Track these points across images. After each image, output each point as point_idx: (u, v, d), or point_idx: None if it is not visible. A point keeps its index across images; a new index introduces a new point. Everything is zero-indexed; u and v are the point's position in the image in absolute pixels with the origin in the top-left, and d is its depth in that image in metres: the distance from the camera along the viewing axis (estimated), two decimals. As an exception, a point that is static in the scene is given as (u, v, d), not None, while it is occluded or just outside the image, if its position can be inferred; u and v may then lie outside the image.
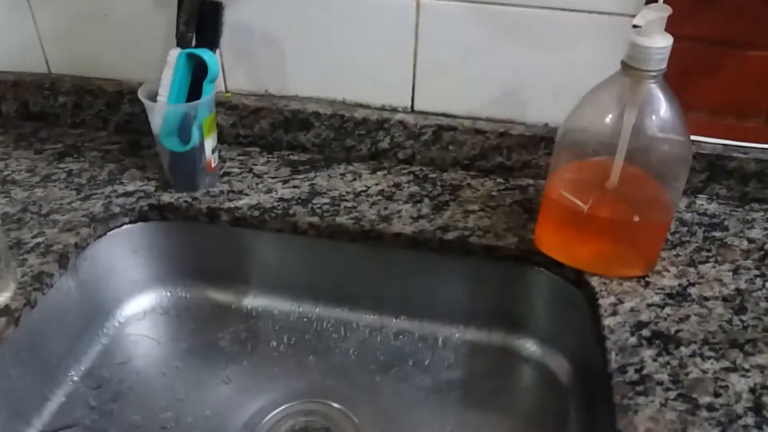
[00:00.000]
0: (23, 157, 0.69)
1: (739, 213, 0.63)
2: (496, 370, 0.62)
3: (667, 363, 0.47)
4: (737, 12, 0.54)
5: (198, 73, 0.60)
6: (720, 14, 0.54)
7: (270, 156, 0.70)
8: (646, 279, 0.54)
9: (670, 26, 0.49)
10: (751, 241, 0.59)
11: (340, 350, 0.64)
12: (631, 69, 0.47)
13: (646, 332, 0.49)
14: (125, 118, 0.72)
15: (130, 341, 0.64)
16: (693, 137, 0.60)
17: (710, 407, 0.44)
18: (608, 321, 0.50)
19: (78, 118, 0.73)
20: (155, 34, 0.67)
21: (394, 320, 0.66)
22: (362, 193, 0.65)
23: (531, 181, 0.66)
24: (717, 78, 0.58)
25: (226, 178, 0.66)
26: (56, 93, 0.71)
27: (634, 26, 0.46)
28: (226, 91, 0.69)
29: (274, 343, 0.64)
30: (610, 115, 0.50)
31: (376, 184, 0.66)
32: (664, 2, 0.50)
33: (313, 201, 0.63)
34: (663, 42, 0.46)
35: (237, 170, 0.67)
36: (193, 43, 0.59)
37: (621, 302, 0.52)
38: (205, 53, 0.58)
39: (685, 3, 0.53)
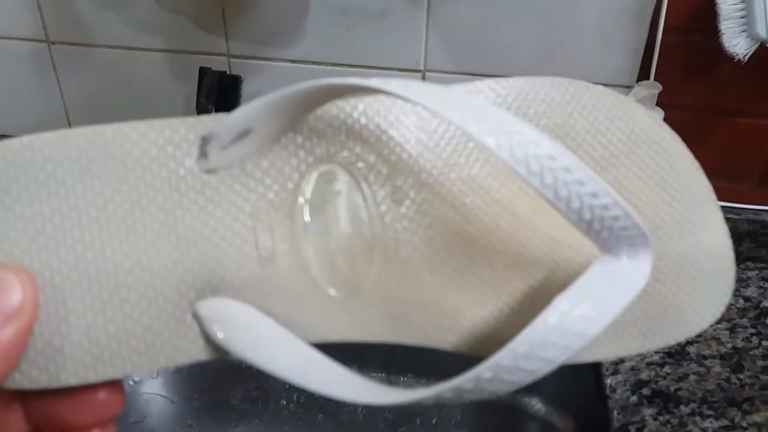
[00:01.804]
0: (45, 220, 0.71)
1: (734, 273, 0.65)
2: (503, 428, 0.64)
3: (668, 422, 0.48)
4: (724, 83, 0.57)
5: (215, 141, 0.63)
6: (708, 85, 0.58)
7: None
8: (646, 338, 0.56)
9: (663, 95, 0.53)
10: (746, 299, 0.61)
11: (348, 408, 0.65)
12: (625, 139, 0.50)
13: (646, 391, 0.51)
14: (142, 182, 0.75)
15: (143, 400, 0.66)
16: (687, 200, 0.62)
17: (711, 464, 0.45)
18: (610, 380, 0.52)
19: (97, 182, 0.76)
20: (174, 103, 0.70)
21: (402, 378, 0.67)
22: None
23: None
24: (708, 144, 0.61)
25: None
26: (77, 158, 0.74)
27: (628, 101, 0.49)
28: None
29: (284, 402, 0.66)
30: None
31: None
32: (655, 79, 0.53)
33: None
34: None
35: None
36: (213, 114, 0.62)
37: (622, 361, 0.54)
38: (223, 124, 0.61)
39: (674, 76, 0.56)
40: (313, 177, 0.25)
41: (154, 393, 0.66)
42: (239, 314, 0.24)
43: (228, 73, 0.63)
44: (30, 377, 0.22)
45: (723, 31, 0.52)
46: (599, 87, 0.27)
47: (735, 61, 0.51)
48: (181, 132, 0.24)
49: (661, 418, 0.48)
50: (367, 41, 0.63)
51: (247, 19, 0.64)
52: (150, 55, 0.68)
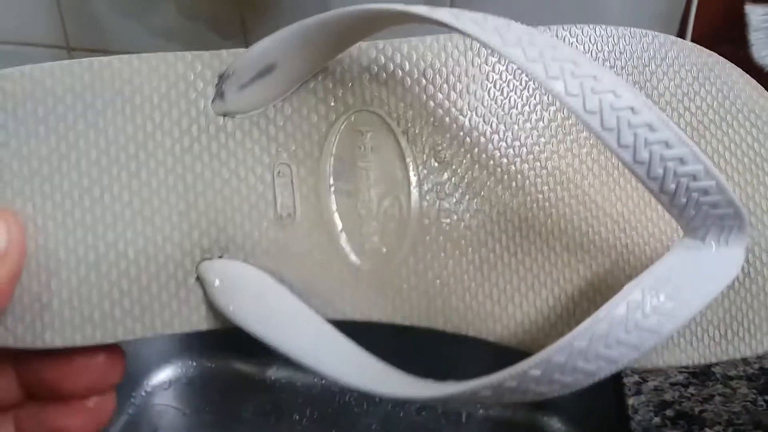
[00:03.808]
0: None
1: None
2: (519, 447, 0.62)
3: (692, 445, 0.47)
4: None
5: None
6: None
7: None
8: (671, 358, 0.54)
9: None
10: (776, 321, 0.59)
11: (362, 425, 0.63)
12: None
13: (670, 412, 0.49)
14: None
15: (156, 411, 0.65)
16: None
17: (738, 490, 0.43)
18: (632, 400, 0.50)
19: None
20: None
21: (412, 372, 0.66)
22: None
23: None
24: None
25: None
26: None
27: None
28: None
29: (297, 416, 0.64)
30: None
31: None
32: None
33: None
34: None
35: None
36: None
37: (645, 381, 0.52)
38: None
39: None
40: (344, 128, 0.22)
41: (165, 404, 0.65)
42: (249, 280, 0.21)
43: (247, 80, 0.62)
44: (15, 334, 0.20)
45: (752, 42, 0.50)
46: (689, 43, 0.24)
47: (765, 72, 0.50)
48: (197, 68, 0.21)
49: (684, 441, 0.46)
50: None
51: (266, 25, 0.63)
52: (169, 62, 0.68)
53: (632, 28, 0.23)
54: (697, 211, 0.18)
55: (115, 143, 0.21)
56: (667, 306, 0.17)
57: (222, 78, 0.21)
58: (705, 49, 0.24)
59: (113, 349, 0.22)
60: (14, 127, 0.20)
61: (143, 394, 0.64)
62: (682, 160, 0.17)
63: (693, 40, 0.53)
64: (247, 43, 0.65)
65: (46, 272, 0.20)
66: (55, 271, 0.20)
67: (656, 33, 0.24)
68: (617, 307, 0.17)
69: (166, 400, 0.67)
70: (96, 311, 0.20)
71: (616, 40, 0.23)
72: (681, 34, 0.55)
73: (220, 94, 0.21)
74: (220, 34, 0.65)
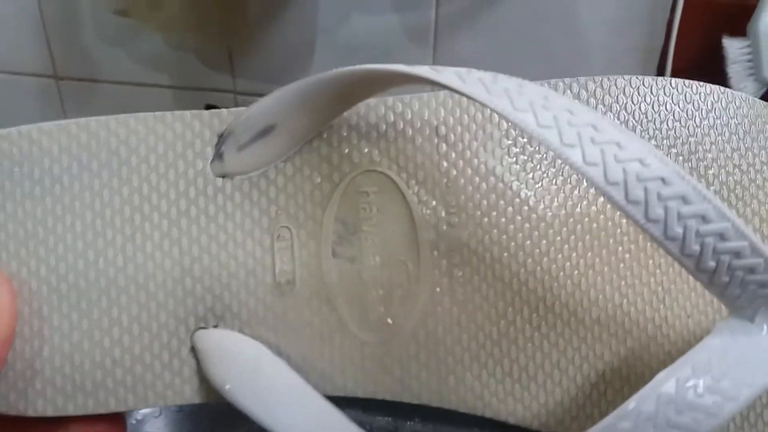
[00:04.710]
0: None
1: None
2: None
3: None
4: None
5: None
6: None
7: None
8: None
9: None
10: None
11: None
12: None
13: None
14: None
15: (144, 439, 0.64)
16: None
17: None
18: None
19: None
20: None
21: (408, 423, 0.66)
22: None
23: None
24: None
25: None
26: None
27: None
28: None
29: (288, 442, 0.64)
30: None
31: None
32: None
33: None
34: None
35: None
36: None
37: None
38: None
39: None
40: (349, 189, 0.21)
41: (155, 433, 0.64)
42: (245, 352, 0.20)
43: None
44: (7, 401, 0.20)
45: (730, 75, 0.51)
46: (738, 93, 0.22)
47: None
48: (195, 127, 0.20)
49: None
50: (373, 79, 0.63)
51: (254, 56, 0.64)
52: (156, 91, 0.68)
53: (673, 79, 0.21)
54: (743, 290, 0.16)
55: (111, 206, 0.20)
56: (707, 401, 0.15)
57: (221, 138, 0.20)
58: (758, 100, 0.22)
59: (114, 418, 0.21)
60: (11, 188, 0.20)
61: (133, 422, 0.64)
62: (722, 236, 0.15)
63: (673, 72, 0.54)
64: (234, 74, 0.66)
65: (39, 338, 0.20)
66: (48, 338, 0.20)
67: (702, 83, 0.21)
68: (645, 402, 0.15)
69: (156, 428, 0.66)
70: (88, 380, 0.20)
71: (654, 92, 0.21)
72: (661, 67, 0.56)
73: (218, 155, 0.20)
74: (207, 65, 0.66)
